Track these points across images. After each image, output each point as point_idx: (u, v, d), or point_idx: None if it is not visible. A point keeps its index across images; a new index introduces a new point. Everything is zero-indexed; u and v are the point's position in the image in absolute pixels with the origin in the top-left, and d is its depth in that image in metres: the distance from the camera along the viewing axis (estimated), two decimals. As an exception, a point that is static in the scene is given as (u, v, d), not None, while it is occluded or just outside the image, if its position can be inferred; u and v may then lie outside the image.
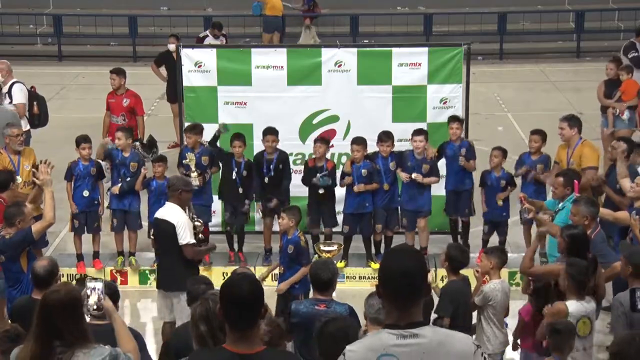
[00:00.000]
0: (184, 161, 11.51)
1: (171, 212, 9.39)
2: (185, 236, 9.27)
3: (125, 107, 13.63)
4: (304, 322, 7.39)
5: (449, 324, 7.85)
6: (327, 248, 9.67)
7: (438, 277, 10.18)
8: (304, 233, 10.12)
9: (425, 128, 11.82)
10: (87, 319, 5.56)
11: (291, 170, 11.89)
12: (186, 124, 12.04)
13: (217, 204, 12.04)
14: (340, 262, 11.62)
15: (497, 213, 11.55)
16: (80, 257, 11.68)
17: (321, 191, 11.50)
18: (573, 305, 7.39)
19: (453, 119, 11.66)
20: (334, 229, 11.72)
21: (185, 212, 9.55)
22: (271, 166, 11.56)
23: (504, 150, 11.65)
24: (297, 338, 7.56)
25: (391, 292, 4.15)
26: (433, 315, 8.11)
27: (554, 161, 11.52)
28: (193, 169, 11.39)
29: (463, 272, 8.53)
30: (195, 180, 11.22)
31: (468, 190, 11.78)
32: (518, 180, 11.69)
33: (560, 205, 9.66)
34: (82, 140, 11.57)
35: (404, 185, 11.55)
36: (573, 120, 11.34)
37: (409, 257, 4.21)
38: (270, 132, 11.54)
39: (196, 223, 9.74)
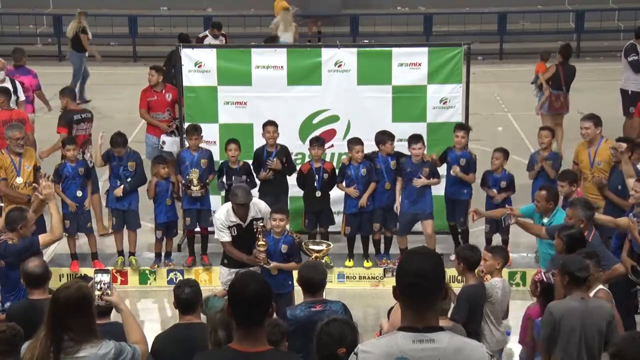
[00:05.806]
0: (187, 176, 11.45)
1: (220, 208, 10.33)
2: (216, 232, 10.09)
3: (169, 102, 13.29)
4: (302, 327, 7.24)
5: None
6: (315, 247, 9.60)
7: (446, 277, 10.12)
8: (299, 233, 10.12)
9: (425, 128, 11.84)
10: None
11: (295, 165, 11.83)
12: (186, 125, 12.04)
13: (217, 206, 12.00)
14: (349, 261, 11.68)
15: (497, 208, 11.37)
16: (74, 256, 11.64)
17: (318, 194, 11.49)
18: None
19: (459, 127, 11.56)
20: (330, 229, 11.66)
21: (246, 216, 9.71)
22: (271, 158, 11.48)
23: (505, 151, 11.59)
24: (295, 344, 7.36)
25: (404, 293, 4.15)
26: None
27: (572, 161, 11.38)
28: (195, 182, 11.36)
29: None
30: (197, 192, 11.36)
31: (465, 201, 11.63)
32: (528, 181, 11.64)
33: (545, 221, 9.50)
34: (69, 141, 11.54)
35: (404, 191, 11.43)
36: (597, 119, 11.14)
37: (424, 259, 4.19)
38: (271, 124, 11.47)
39: (259, 243, 9.60)
